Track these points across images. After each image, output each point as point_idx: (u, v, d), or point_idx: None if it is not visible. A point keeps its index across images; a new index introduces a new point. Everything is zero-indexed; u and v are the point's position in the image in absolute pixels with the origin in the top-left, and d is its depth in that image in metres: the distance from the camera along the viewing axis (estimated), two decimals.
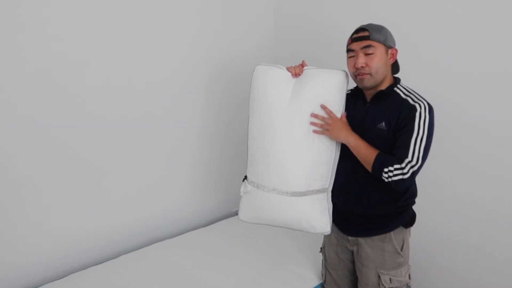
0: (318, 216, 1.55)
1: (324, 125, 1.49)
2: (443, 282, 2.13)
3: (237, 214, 1.74)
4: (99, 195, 2.09)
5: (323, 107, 1.49)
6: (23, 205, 1.83)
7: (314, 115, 1.50)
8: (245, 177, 1.67)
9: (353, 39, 1.49)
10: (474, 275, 2.01)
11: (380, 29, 1.47)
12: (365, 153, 1.45)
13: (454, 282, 2.09)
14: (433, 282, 2.17)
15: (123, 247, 2.23)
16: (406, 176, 1.37)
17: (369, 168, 1.44)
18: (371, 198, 1.54)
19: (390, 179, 1.39)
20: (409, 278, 1.62)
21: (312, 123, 1.50)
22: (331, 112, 1.49)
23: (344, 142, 1.50)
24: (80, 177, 2.00)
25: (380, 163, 1.40)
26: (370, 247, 1.59)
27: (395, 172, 1.38)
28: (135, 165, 2.22)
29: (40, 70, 1.79)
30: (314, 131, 1.50)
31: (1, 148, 1.73)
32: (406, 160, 1.37)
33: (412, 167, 1.37)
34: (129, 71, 2.10)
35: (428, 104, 1.43)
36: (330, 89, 1.50)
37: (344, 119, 1.52)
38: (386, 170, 1.39)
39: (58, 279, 1.91)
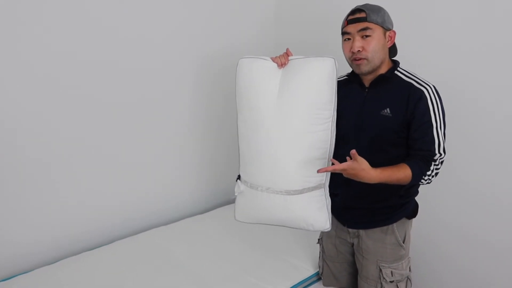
0: (316, 213, 1.49)
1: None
2: (448, 273, 2.10)
3: (235, 201, 1.67)
4: (93, 181, 2.06)
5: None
6: (14, 192, 1.81)
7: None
8: (239, 177, 1.61)
9: (349, 20, 1.40)
10: (479, 266, 1.98)
11: (377, 10, 1.39)
12: (398, 179, 1.35)
13: (458, 273, 2.06)
14: (437, 273, 2.15)
15: (117, 232, 2.20)
16: (439, 169, 1.39)
17: (406, 183, 1.38)
18: (374, 191, 1.48)
19: (430, 180, 1.39)
20: (410, 270, 1.59)
21: None
22: (336, 167, 1.31)
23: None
24: (73, 163, 1.97)
25: (419, 174, 1.37)
26: (371, 240, 1.55)
27: (434, 172, 1.39)
28: (130, 151, 2.18)
29: (41, 68, 1.78)
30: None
31: None
32: (436, 156, 1.36)
33: (441, 158, 1.38)
34: (121, 59, 2.04)
35: (433, 85, 1.39)
36: (319, 79, 1.39)
37: (360, 159, 1.29)
38: (426, 177, 1.38)
39: (50, 264, 1.89)
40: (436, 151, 1.36)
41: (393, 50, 1.48)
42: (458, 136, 1.94)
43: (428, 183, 1.40)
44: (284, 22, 2.70)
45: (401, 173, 1.34)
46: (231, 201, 2.69)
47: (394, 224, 1.52)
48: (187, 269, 1.86)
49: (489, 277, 1.95)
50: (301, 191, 1.46)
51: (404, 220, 1.54)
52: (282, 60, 1.46)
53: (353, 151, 1.29)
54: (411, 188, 1.51)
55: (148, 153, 2.25)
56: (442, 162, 1.38)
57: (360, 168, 1.29)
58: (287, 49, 1.50)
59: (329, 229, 1.53)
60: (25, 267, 1.88)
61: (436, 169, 1.38)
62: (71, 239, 2.02)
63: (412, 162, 1.36)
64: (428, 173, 1.37)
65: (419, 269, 2.17)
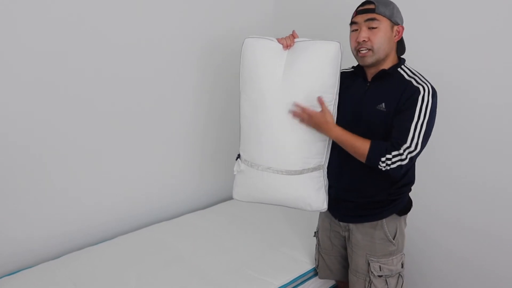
0: (314, 194, 1.52)
1: (302, 119, 1.44)
2: (447, 268, 2.08)
3: (234, 180, 1.69)
4: (96, 177, 2.10)
5: (296, 104, 1.42)
6: (17, 189, 1.85)
7: (294, 112, 1.44)
8: (238, 156, 1.63)
9: (358, 11, 1.42)
10: (478, 257, 1.96)
11: (387, 3, 1.39)
12: (354, 145, 1.38)
13: (458, 267, 2.04)
14: (434, 266, 2.13)
15: (120, 227, 2.25)
16: (404, 162, 1.32)
17: (363, 159, 1.37)
18: (365, 185, 1.50)
19: (388, 167, 1.33)
20: (402, 267, 1.57)
21: (295, 113, 1.44)
22: (306, 108, 1.42)
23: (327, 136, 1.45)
24: (78, 160, 2.01)
25: (377, 152, 1.33)
26: (361, 234, 1.56)
27: (394, 160, 1.32)
28: (133, 147, 2.21)
29: (40, 69, 1.80)
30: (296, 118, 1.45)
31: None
32: (404, 146, 1.32)
33: (410, 152, 1.32)
34: (120, 57, 2.05)
35: (432, 87, 1.36)
36: (324, 61, 1.41)
37: (327, 111, 1.42)
38: (383, 159, 1.33)
39: (54, 259, 1.94)
40: (408, 140, 1.31)
41: (400, 48, 1.48)
42: (451, 131, 1.92)
43: (386, 170, 1.34)
44: (283, 13, 2.67)
45: (360, 142, 1.37)
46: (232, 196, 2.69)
47: (384, 220, 1.52)
48: (188, 263, 1.90)
49: (489, 267, 1.92)
50: (301, 172, 1.49)
51: (394, 216, 1.53)
52: (288, 41, 1.47)
53: (320, 98, 1.41)
54: (403, 187, 1.51)
55: (150, 148, 2.28)
56: (411, 159, 1.32)
57: (324, 119, 1.40)
58: (293, 31, 1.51)
59: (326, 209, 1.56)
60: (29, 262, 1.93)
61: (400, 160, 1.31)
62: (74, 234, 2.07)
63: (376, 141, 1.36)
64: (389, 157, 1.32)
65: (418, 265, 2.17)
